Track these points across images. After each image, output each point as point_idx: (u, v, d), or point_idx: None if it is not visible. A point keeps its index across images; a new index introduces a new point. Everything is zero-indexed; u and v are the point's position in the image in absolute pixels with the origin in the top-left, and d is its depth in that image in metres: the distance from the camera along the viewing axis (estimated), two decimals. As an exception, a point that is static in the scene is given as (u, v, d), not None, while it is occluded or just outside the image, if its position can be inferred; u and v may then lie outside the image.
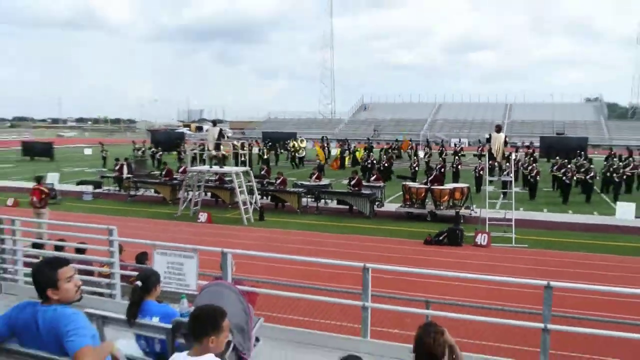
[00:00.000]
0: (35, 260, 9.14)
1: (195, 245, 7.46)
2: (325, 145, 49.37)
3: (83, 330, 3.44)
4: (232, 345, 4.35)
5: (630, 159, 32.60)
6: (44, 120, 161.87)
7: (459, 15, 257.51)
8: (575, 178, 28.11)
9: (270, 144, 51.14)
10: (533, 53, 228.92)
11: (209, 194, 25.28)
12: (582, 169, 29.31)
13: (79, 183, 28.61)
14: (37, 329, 3.53)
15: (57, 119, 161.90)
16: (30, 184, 20.17)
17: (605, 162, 34.10)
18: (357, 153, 43.13)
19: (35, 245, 9.59)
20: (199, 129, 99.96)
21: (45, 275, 3.55)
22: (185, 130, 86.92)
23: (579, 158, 38.76)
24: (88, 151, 58.54)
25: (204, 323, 3.64)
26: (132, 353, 5.20)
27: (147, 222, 20.91)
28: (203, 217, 21.06)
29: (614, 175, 28.94)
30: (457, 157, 35.49)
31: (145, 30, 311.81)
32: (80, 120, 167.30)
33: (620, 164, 30.59)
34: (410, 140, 56.20)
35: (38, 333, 3.53)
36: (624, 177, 29.30)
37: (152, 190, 27.32)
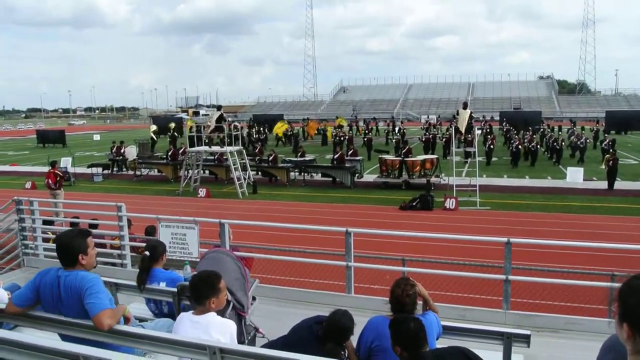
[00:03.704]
0: (52, 236, 9.14)
1: (196, 217, 7.43)
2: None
3: (102, 295, 3.47)
4: (231, 305, 4.36)
5: (575, 128, 33.11)
6: (55, 111, 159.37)
7: (422, 4, 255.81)
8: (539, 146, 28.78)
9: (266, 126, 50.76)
10: (490, 36, 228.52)
11: (207, 171, 25.16)
12: (552, 139, 30.09)
13: (89, 166, 28.27)
14: (58, 292, 3.53)
15: (67, 109, 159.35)
16: (46, 168, 19.90)
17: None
18: (327, 131, 42.84)
19: (45, 222, 9.53)
20: (196, 113, 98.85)
21: (77, 242, 3.60)
22: (183, 115, 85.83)
23: (545, 128, 39.31)
24: (97, 137, 57.74)
25: (203, 288, 3.65)
26: (143, 315, 5.23)
27: (152, 198, 20.77)
28: (202, 192, 20.99)
29: (579, 142, 29.53)
30: (427, 131, 35.63)
31: (142, 26, 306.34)
32: (88, 109, 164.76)
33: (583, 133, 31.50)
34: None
35: (59, 296, 3.53)
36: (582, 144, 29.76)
37: (156, 170, 27.12)
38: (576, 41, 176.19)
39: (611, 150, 22.55)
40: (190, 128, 31.10)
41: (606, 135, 36.46)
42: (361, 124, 51.48)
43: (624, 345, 1.72)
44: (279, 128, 42.01)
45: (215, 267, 4.25)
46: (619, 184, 21.02)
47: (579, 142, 30.05)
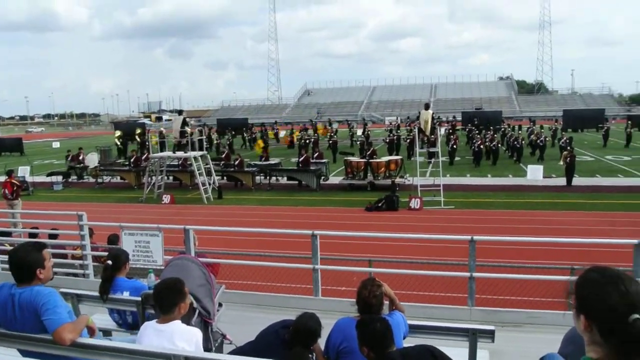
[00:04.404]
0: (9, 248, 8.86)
1: (160, 224, 7.31)
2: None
3: (59, 308, 3.37)
4: (197, 312, 4.30)
5: (535, 127, 33.99)
6: (12, 118, 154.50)
7: (385, 7, 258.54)
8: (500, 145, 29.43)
9: (234, 132, 50.36)
10: (451, 38, 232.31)
11: (171, 177, 24.82)
12: (512, 138, 30.81)
13: (49, 174, 27.53)
14: (13, 310, 3.40)
15: (25, 116, 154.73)
16: (2, 178, 19.29)
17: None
18: (293, 134, 42.78)
19: (2, 234, 9.25)
20: (159, 119, 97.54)
21: (34, 257, 3.48)
22: (146, 120, 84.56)
23: (506, 127, 40.16)
24: (56, 144, 56.25)
25: (169, 295, 3.59)
26: (107, 326, 5.11)
27: (115, 206, 20.36)
28: (166, 198, 20.68)
29: (538, 140, 30.27)
30: (391, 133, 35.93)
31: (102, 30, 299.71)
32: (47, 116, 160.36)
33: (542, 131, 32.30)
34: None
35: (14, 314, 3.40)
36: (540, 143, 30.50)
37: (118, 177, 26.60)
38: (534, 42, 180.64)
39: (569, 148, 23.19)
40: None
41: (564, 133, 37.40)
42: (334, 125, 51.57)
43: (583, 337, 1.76)
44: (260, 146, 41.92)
45: (180, 274, 4.18)
46: (577, 180, 21.63)
47: (538, 141, 30.77)
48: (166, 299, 3.59)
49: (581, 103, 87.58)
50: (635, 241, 5.75)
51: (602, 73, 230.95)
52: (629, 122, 40.49)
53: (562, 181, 21.50)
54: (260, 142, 41.30)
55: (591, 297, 1.68)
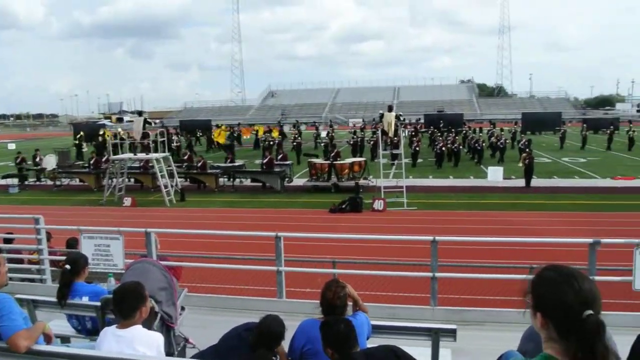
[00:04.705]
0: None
1: (121, 227, 7.16)
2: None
3: (14, 315, 3.28)
4: (159, 316, 4.23)
5: (495, 130, 34.76)
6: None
7: (347, 9, 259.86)
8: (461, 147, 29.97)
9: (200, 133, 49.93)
10: (413, 41, 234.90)
11: (132, 179, 24.34)
12: (473, 140, 31.40)
13: (4, 177, 26.65)
14: None
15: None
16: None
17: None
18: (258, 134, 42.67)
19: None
20: (120, 120, 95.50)
21: None
22: (106, 122, 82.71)
23: (467, 129, 40.90)
24: (12, 146, 54.50)
25: (129, 299, 3.52)
26: (65, 332, 4.98)
27: (74, 209, 19.85)
28: (128, 201, 20.30)
29: (498, 142, 30.90)
30: (355, 134, 36.13)
31: (60, 28, 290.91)
32: (2, 117, 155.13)
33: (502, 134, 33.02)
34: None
35: None
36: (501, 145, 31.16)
37: (78, 180, 25.94)
38: (494, 47, 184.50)
39: (527, 150, 23.76)
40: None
41: (523, 135, 38.38)
42: (301, 128, 51.62)
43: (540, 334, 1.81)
44: (219, 136, 41.41)
45: (141, 277, 4.10)
46: (535, 182, 22.20)
47: (498, 143, 31.46)
48: (126, 303, 3.51)
49: (539, 106, 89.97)
50: (590, 240, 5.94)
51: (559, 77, 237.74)
52: (584, 125, 41.85)
53: (521, 182, 22.02)
54: (220, 132, 40.98)
55: (547, 295, 1.73)
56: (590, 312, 1.64)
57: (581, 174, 25.29)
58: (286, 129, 55.66)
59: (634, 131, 37.07)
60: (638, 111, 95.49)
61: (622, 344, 2.20)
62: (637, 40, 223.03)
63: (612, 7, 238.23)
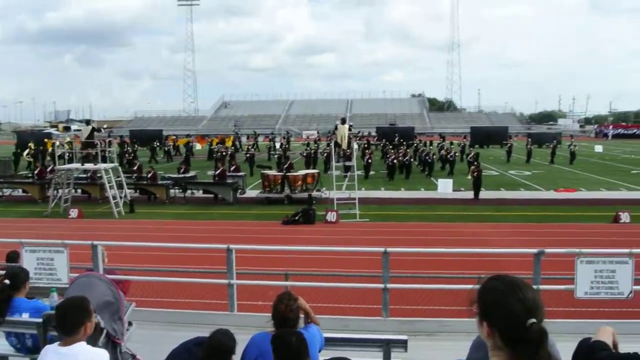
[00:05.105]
0: None
1: (66, 240, 6.90)
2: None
3: None
4: (104, 332, 4.09)
5: (445, 143, 35.62)
6: None
7: (302, 22, 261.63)
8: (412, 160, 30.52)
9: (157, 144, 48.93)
10: (367, 56, 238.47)
11: (79, 190, 23.57)
12: (424, 153, 32.04)
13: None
14: None
15: None
16: None
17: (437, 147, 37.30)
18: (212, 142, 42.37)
19: None
20: (67, 129, 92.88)
21: None
22: (52, 130, 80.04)
23: (418, 142, 41.65)
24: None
25: (73, 315, 3.38)
26: (4, 351, 4.76)
27: (16, 221, 19.03)
28: (74, 213, 19.64)
29: (448, 155, 31.61)
30: (308, 146, 36.28)
31: (3, 33, 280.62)
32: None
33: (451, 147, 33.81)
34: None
35: None
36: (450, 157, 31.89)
37: (21, 191, 24.90)
38: (444, 62, 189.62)
39: (476, 163, 24.43)
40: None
41: (471, 149, 39.43)
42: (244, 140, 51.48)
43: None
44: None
45: (85, 292, 3.96)
46: (484, 194, 22.79)
47: (448, 156, 32.21)
48: (70, 319, 3.37)
49: (487, 121, 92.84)
50: (534, 250, 6.13)
51: (506, 93, 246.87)
52: (529, 139, 43.48)
53: (470, 194, 22.58)
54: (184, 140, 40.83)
55: (492, 304, 1.77)
56: (534, 320, 1.68)
57: (526, 186, 26.16)
58: (244, 139, 55.40)
59: (575, 145, 38.74)
60: (581, 126, 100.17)
61: (565, 351, 2.27)
62: (578, 58, 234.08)
63: (554, 26, 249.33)
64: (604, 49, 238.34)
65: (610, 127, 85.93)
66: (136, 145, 45.39)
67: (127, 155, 37.41)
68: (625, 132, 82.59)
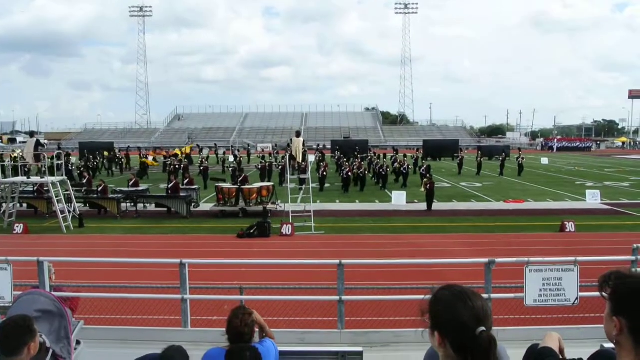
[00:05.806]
0: None
1: (10, 256, 6.62)
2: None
3: None
4: (50, 352, 3.93)
5: (398, 156, 36.15)
6: None
7: (256, 35, 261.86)
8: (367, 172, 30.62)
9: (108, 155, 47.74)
10: (320, 69, 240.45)
11: (25, 205, 22.71)
12: (378, 165, 32.42)
13: None
14: None
15: None
16: None
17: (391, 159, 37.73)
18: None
19: None
20: (12, 140, 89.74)
21: None
22: (-5, 142, 77.17)
23: (372, 155, 42.11)
24: None
25: (16, 334, 3.23)
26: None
27: (-45, 238, 18.17)
28: (19, 228, 18.86)
29: (402, 168, 32.05)
30: (263, 159, 36.16)
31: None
32: None
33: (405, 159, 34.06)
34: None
35: None
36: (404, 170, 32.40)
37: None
38: (397, 77, 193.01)
39: (428, 175, 24.88)
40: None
41: (424, 161, 40.21)
42: (204, 152, 50.88)
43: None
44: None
45: (29, 310, 3.80)
46: (437, 205, 23.25)
47: (401, 168, 32.70)
48: (12, 339, 3.22)
49: (439, 134, 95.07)
50: (485, 260, 6.28)
51: (456, 107, 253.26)
52: (479, 152, 44.74)
53: (423, 206, 22.96)
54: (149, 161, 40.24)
55: (443, 314, 1.80)
56: (483, 328, 1.73)
57: (477, 198, 26.82)
58: (205, 152, 54.84)
59: (523, 158, 40.08)
60: (532, 139, 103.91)
61: (515, 357, 2.34)
62: (524, 74, 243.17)
63: (500, 43, 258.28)
64: (546, 65, 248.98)
65: (555, 140, 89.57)
66: (99, 157, 44.34)
67: (89, 164, 36.51)
68: (569, 145, 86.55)
